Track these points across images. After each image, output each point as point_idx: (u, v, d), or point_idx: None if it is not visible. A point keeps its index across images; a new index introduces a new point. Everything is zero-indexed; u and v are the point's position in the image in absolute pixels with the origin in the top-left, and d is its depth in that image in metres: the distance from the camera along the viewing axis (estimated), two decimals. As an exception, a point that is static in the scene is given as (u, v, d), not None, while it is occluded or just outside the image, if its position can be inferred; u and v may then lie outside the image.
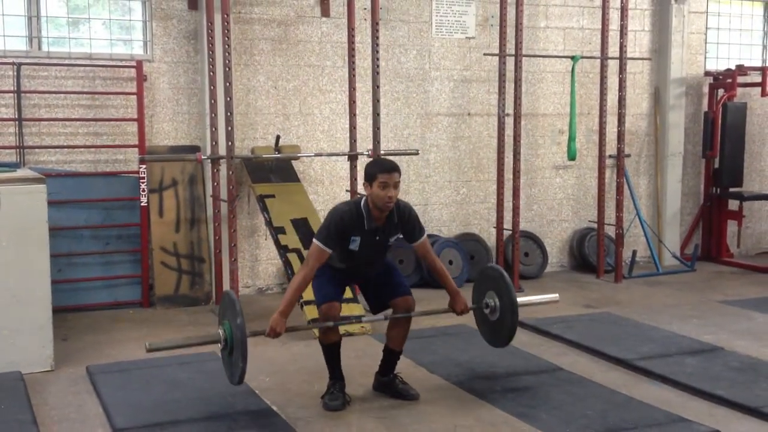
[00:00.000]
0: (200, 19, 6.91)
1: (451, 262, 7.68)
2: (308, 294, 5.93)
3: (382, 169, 4.32)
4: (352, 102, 6.79)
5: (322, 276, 4.48)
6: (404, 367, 4.86)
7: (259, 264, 7.39)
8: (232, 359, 4.21)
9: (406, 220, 4.48)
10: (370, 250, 4.43)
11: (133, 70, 6.76)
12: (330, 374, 4.56)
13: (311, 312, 5.87)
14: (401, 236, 4.53)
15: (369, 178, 4.32)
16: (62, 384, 4.89)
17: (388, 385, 4.66)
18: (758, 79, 8.72)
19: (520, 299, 4.73)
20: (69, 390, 4.79)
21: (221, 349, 4.29)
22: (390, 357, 4.68)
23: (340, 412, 4.40)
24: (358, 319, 4.93)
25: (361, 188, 6.84)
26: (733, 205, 9.00)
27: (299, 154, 7.07)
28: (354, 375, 4.78)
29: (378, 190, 4.27)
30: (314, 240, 4.38)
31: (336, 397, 4.47)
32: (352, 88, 6.78)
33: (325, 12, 7.39)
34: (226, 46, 6.29)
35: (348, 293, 5.77)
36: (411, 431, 4.15)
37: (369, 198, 4.35)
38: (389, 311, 4.63)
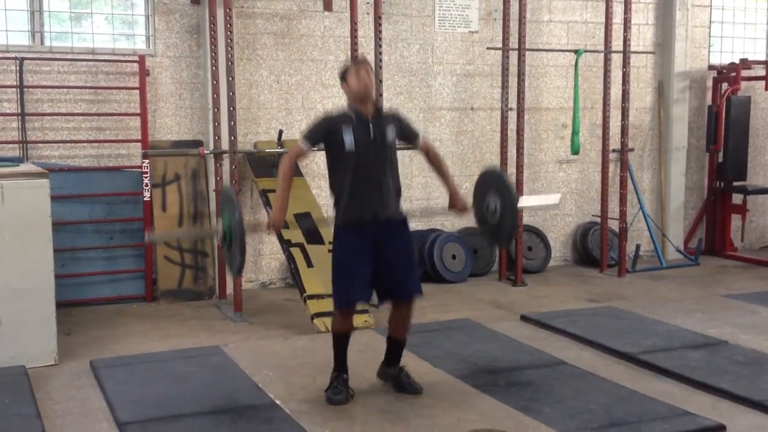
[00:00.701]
0: (203, 13, 6.89)
1: (454, 257, 7.67)
2: (312, 288, 5.96)
3: (351, 62, 4.54)
4: (355, 96, 6.77)
5: (343, 248, 4.38)
6: (407, 361, 4.86)
7: (262, 258, 7.39)
8: (231, 253, 4.29)
9: (396, 117, 4.52)
10: (370, 149, 4.31)
11: (136, 65, 6.76)
12: (335, 365, 4.53)
13: (314, 306, 5.88)
14: (396, 133, 4.43)
15: (343, 76, 4.41)
16: (66, 378, 4.89)
17: (394, 377, 4.66)
18: (762, 72, 8.69)
19: (520, 201, 4.74)
20: (73, 384, 4.79)
21: (220, 242, 4.40)
22: (394, 346, 4.66)
23: (344, 405, 4.40)
24: None
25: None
26: (737, 198, 8.98)
27: (302, 149, 7.05)
28: (357, 369, 4.77)
29: (353, 79, 4.33)
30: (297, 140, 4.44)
31: (339, 391, 4.46)
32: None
33: (328, 6, 7.37)
34: (229, 41, 6.28)
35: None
36: (414, 425, 4.15)
37: (349, 97, 4.39)
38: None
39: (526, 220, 7.94)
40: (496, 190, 4.68)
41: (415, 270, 4.60)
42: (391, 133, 4.41)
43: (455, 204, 4.68)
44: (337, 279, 4.42)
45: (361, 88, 4.31)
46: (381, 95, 6.78)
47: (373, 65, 6.79)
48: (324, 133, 4.36)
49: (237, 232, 4.19)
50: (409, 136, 4.58)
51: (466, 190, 8.03)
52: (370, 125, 4.34)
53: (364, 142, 4.31)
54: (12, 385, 4.63)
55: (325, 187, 7.41)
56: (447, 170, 4.73)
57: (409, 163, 7.76)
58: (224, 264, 6.68)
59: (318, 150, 4.50)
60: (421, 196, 7.84)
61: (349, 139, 4.28)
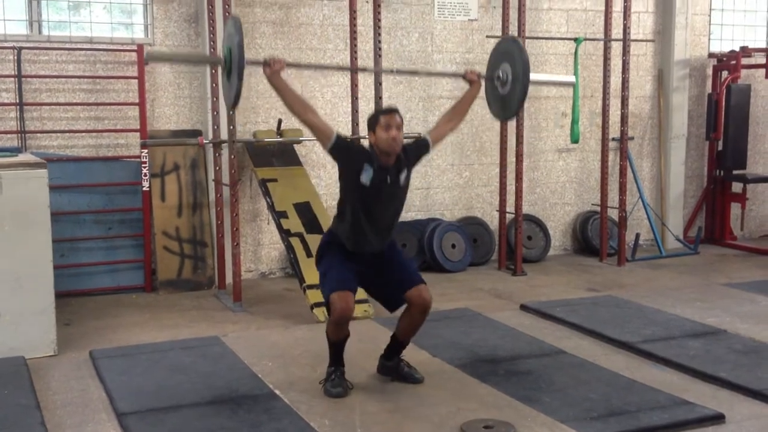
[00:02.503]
0: (201, 2, 6.86)
1: (453, 246, 7.67)
2: (311, 278, 5.95)
3: (382, 111, 4.43)
4: (354, 85, 6.76)
5: (332, 258, 4.41)
6: (406, 350, 4.84)
7: (261, 248, 7.39)
8: (230, 82, 4.28)
9: (408, 154, 4.48)
10: (381, 191, 4.34)
11: (134, 54, 6.73)
12: (331, 358, 4.52)
13: (314, 296, 5.87)
14: (410, 174, 4.48)
15: (371, 125, 4.37)
16: (65, 369, 4.90)
17: (394, 368, 4.65)
18: (762, 60, 8.67)
19: (534, 76, 4.77)
20: (72, 375, 4.79)
21: (222, 71, 4.40)
22: (396, 345, 4.65)
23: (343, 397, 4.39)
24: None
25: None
26: (736, 187, 8.97)
27: (301, 138, 7.05)
28: (356, 359, 4.77)
29: (381, 132, 4.29)
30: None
31: (338, 383, 4.42)
32: (354, 72, 6.73)
33: (327, -6, 7.34)
34: (227, 30, 6.24)
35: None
36: (414, 415, 4.15)
37: (375, 147, 4.35)
38: None
39: (526, 209, 7.93)
40: (510, 60, 4.72)
41: (412, 265, 4.64)
42: (404, 176, 4.45)
43: (467, 73, 4.77)
44: (327, 282, 4.38)
45: (389, 146, 4.30)
46: (380, 84, 6.76)
47: (372, 54, 6.83)
48: (350, 152, 4.39)
49: (236, 55, 4.13)
50: (422, 154, 4.61)
51: (466, 178, 8.08)
52: (388, 173, 4.37)
53: (379, 186, 4.34)
54: (11, 376, 4.63)
55: (324, 176, 7.45)
56: (461, 101, 4.77)
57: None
58: (223, 253, 6.67)
59: (332, 155, 4.45)
60: (420, 185, 7.83)
61: (367, 177, 4.32)
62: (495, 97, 4.91)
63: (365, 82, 7.08)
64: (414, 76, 7.53)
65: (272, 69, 4.25)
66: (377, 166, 4.32)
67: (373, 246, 4.43)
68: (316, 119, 4.38)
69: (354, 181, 4.33)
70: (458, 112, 4.75)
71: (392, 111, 4.37)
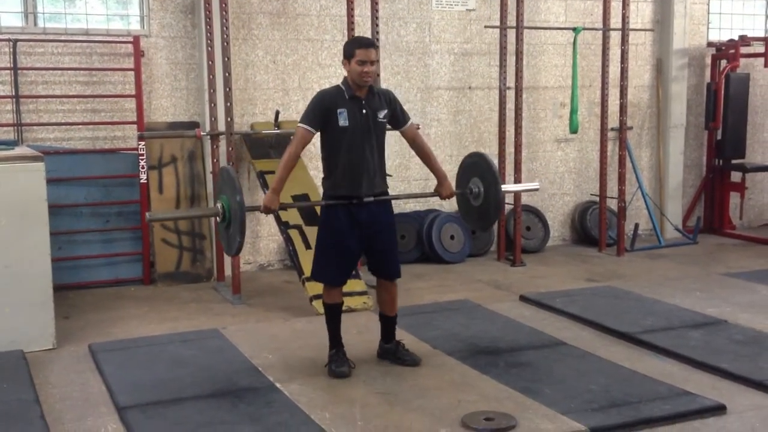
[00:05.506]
0: (197, -7, 6.82)
1: (452, 237, 7.65)
2: (310, 270, 5.93)
3: (359, 44, 4.43)
4: (351, 76, 6.71)
5: (333, 234, 4.51)
6: (407, 343, 4.86)
7: (260, 240, 7.37)
8: (230, 233, 4.38)
9: (388, 98, 4.56)
10: (362, 127, 4.42)
11: (131, 46, 6.69)
12: (331, 341, 4.63)
13: (313, 288, 5.86)
14: (387, 116, 4.53)
15: (347, 54, 4.41)
16: (64, 362, 4.88)
17: (392, 351, 4.74)
18: (761, 49, 8.64)
19: (503, 186, 4.86)
20: (71, 368, 4.78)
21: (219, 222, 4.49)
22: (386, 322, 4.77)
23: (343, 388, 4.39)
24: None
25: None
26: (735, 176, 8.96)
27: (299, 130, 7.01)
28: (356, 351, 4.77)
29: (356, 66, 4.37)
30: (298, 124, 4.45)
31: (342, 363, 4.55)
32: None
33: (324, -15, 7.30)
34: (224, 20, 6.21)
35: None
36: (414, 407, 4.14)
37: (348, 76, 4.45)
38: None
39: (525, 200, 7.91)
40: (480, 174, 4.79)
41: (395, 251, 4.74)
42: (381, 113, 4.52)
43: (443, 190, 4.78)
44: (318, 255, 4.63)
45: (361, 79, 4.39)
46: (378, 75, 6.72)
47: (370, 45, 6.77)
48: (321, 116, 4.42)
49: (237, 215, 4.24)
50: (398, 120, 4.64)
51: (464, 169, 8.04)
52: (363, 106, 4.45)
53: (357, 119, 4.43)
54: (10, 370, 4.62)
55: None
56: (432, 156, 4.80)
57: (406, 144, 7.71)
58: (222, 246, 6.65)
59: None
60: (419, 176, 7.80)
61: (344, 118, 4.40)
62: (470, 208, 4.94)
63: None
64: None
65: (270, 210, 4.50)
66: (349, 97, 4.41)
67: (361, 188, 4.47)
68: (300, 148, 4.44)
69: (334, 129, 4.41)
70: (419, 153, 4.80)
71: (369, 45, 4.44)
